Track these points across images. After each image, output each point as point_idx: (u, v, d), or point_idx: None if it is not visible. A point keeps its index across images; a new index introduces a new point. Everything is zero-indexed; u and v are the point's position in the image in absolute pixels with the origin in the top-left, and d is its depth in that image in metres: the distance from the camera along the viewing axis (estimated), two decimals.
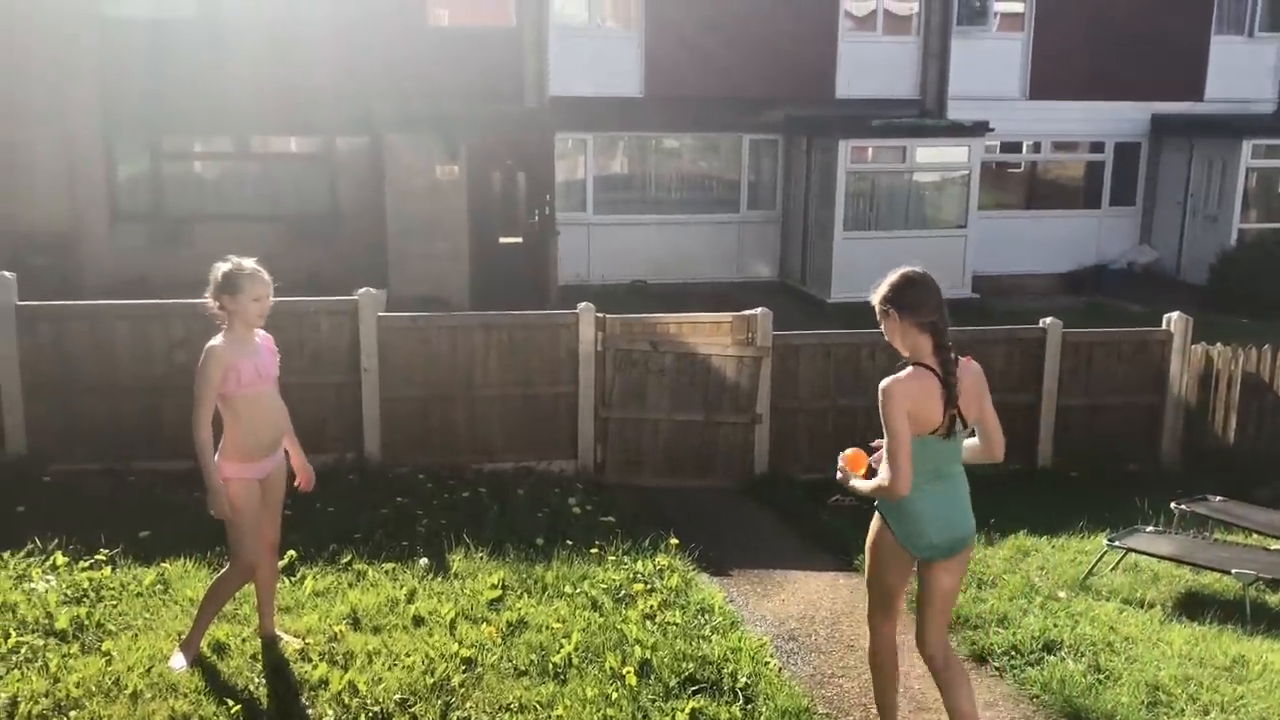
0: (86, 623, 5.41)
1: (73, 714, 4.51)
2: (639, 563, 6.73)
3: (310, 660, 5.14)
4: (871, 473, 4.29)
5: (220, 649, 5.20)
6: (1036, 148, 19.40)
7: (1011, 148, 19.21)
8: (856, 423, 9.66)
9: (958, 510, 4.24)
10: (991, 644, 5.73)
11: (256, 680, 4.93)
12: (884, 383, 4.08)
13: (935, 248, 17.08)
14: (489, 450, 9.01)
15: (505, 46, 16.66)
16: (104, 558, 6.29)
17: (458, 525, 7.27)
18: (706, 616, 5.98)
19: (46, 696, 4.64)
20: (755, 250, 18.12)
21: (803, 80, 17.62)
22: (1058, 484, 9.58)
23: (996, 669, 5.56)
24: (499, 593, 6.11)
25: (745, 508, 8.80)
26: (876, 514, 4.36)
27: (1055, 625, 5.91)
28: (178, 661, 4.98)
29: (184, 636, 5.13)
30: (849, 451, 4.35)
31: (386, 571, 6.41)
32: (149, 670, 4.92)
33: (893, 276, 4.27)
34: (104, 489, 7.86)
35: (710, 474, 9.30)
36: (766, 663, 5.39)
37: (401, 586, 6.15)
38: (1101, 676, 5.33)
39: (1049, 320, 9.92)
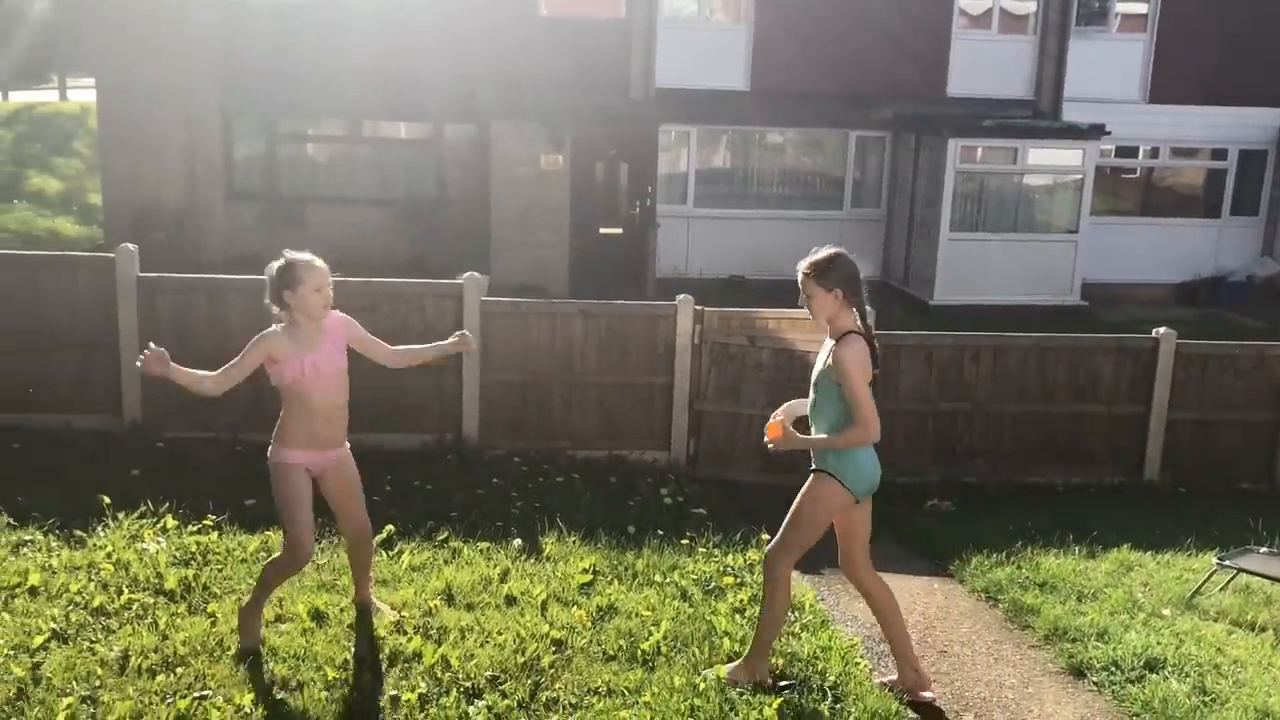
0: (193, 584, 5.59)
1: (179, 670, 4.67)
2: (729, 556, 6.72)
3: (405, 633, 5.23)
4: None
5: (319, 617, 5.33)
6: (1154, 153, 18.78)
7: (1128, 152, 18.64)
8: (956, 427, 9.52)
9: (875, 455, 4.83)
10: (1090, 658, 5.58)
11: (353, 649, 5.04)
12: (847, 349, 4.55)
13: (1044, 253, 16.70)
14: (583, 437, 9.07)
15: (614, 38, 16.73)
16: (211, 523, 6.51)
17: (551, 509, 7.34)
18: (796, 614, 5.93)
19: (155, 652, 4.81)
20: (857, 249, 17.43)
21: (913, 77, 17.34)
22: (1164, 499, 9.28)
23: (1094, 684, 5.41)
24: (590, 577, 6.15)
25: None
26: (822, 476, 4.77)
27: (1158, 643, 5.73)
28: (247, 644, 4.89)
29: (239, 623, 4.97)
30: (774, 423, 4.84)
31: (481, 550, 6.51)
32: None
33: (829, 253, 4.70)
34: (213, 457, 8.11)
35: (803, 472, 9.18)
36: (857, 663, 5.33)
37: (495, 566, 6.23)
38: (1207, 699, 5.14)
39: (1162, 330, 9.61)
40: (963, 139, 16.32)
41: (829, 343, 4.73)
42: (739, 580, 6.34)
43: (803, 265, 4.69)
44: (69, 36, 29.28)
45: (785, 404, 5.05)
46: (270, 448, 4.90)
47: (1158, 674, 5.38)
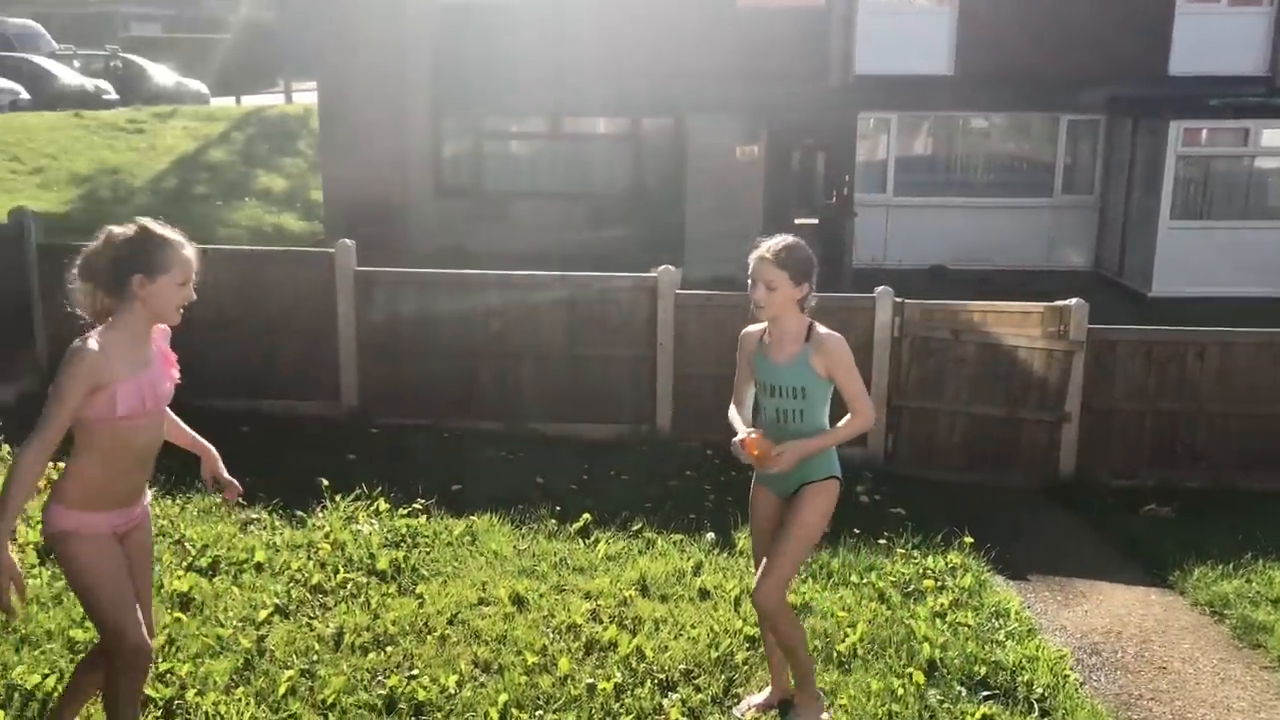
0: (403, 566, 5.83)
1: (388, 649, 4.89)
2: (930, 558, 6.51)
3: (601, 622, 5.32)
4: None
5: (520, 601, 5.47)
6: None
7: None
8: (1176, 429, 8.94)
9: None
10: None
11: (551, 635, 5.15)
12: (837, 340, 4.13)
13: (1277, 241, 15.47)
14: None
15: (812, 25, 16.48)
16: (420, 507, 6.77)
17: (743, 503, 7.20)
18: (1001, 620, 5.71)
19: (368, 630, 5.04)
20: (1068, 237, 17.04)
21: (1131, 57, 16.34)
22: None
23: None
24: None
25: (1047, 510, 8.31)
26: (823, 483, 4.21)
27: None
28: None
29: None
30: (754, 436, 4.11)
31: (674, 542, 6.53)
32: (455, 616, 5.26)
33: (794, 240, 4.15)
34: (422, 443, 8.46)
35: (1009, 472, 8.85)
36: (1066, 675, 5.07)
37: (688, 559, 6.24)
38: None
39: None
40: (1185, 120, 15.27)
41: (768, 341, 4.24)
42: (940, 584, 6.14)
43: (768, 250, 4.07)
44: (294, 42, 31.19)
45: (733, 418, 4.35)
46: (51, 511, 3.36)
47: None
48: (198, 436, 3.79)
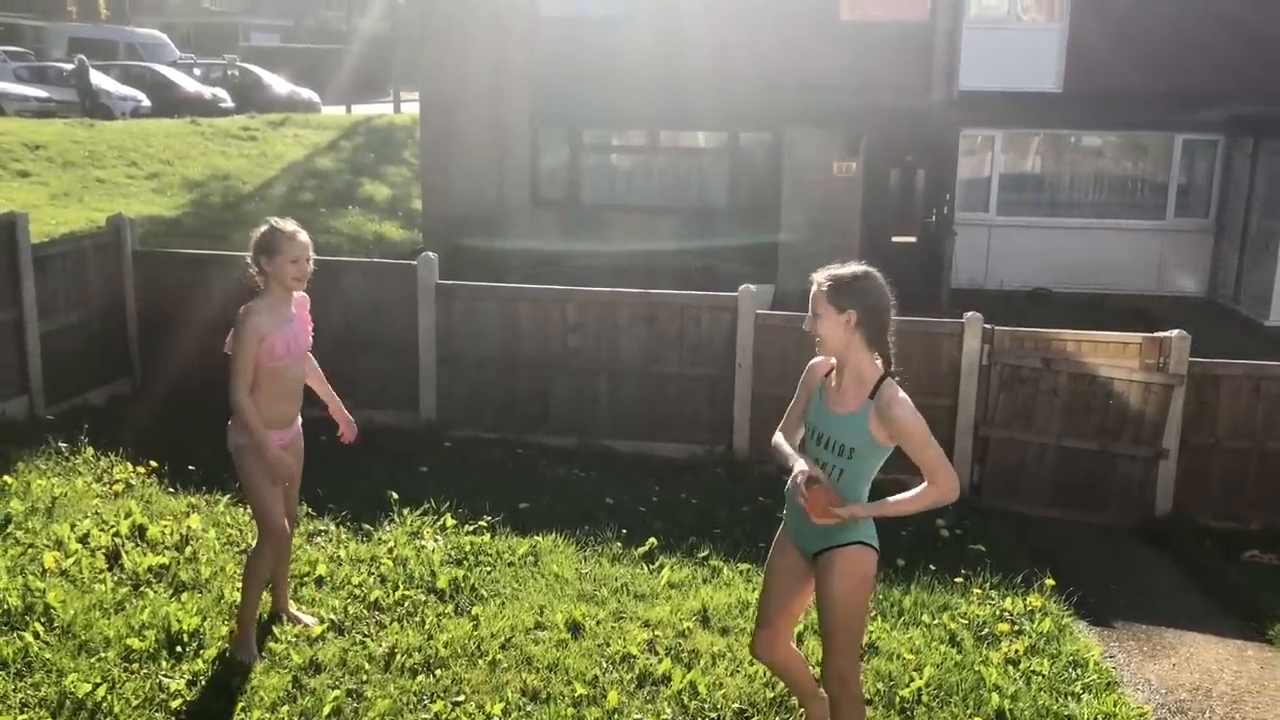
0: (462, 585, 5.79)
1: (438, 672, 4.84)
2: (1008, 600, 6.23)
3: (657, 653, 5.20)
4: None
5: (576, 628, 5.38)
6: None
7: None
8: None
9: None
10: None
11: (604, 665, 5.05)
12: (903, 404, 3.65)
13: None
14: None
15: (916, 40, 16.12)
16: (485, 524, 6.72)
17: None
18: (1079, 671, 5.43)
19: (419, 651, 5.00)
20: (1180, 262, 16.31)
21: (1255, 74, 15.57)
22: None
23: None
24: None
25: (1138, 552, 7.91)
26: (858, 549, 3.80)
27: None
28: (247, 655, 4.75)
29: (234, 631, 4.85)
30: (819, 487, 3.74)
31: (741, 571, 6.37)
32: (509, 640, 5.19)
33: (854, 269, 3.77)
34: (496, 458, 8.45)
35: (1100, 509, 8.46)
36: None
37: (754, 589, 6.06)
38: None
39: None
40: None
41: (832, 383, 3.83)
42: (1016, 627, 5.87)
43: (819, 274, 3.76)
44: (403, 52, 31.85)
45: (779, 444, 3.99)
46: (231, 430, 4.70)
47: None
48: (327, 383, 5.18)
